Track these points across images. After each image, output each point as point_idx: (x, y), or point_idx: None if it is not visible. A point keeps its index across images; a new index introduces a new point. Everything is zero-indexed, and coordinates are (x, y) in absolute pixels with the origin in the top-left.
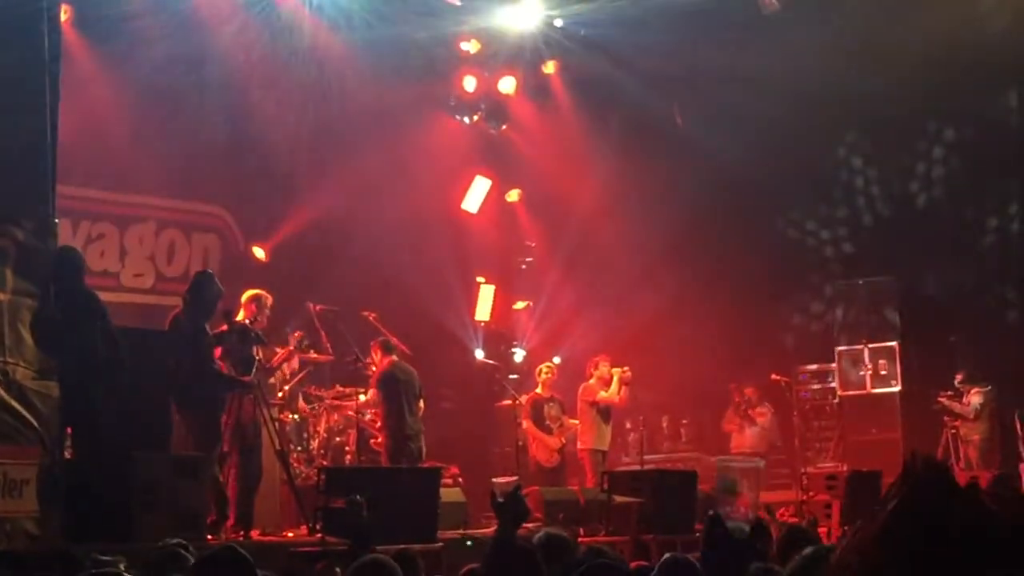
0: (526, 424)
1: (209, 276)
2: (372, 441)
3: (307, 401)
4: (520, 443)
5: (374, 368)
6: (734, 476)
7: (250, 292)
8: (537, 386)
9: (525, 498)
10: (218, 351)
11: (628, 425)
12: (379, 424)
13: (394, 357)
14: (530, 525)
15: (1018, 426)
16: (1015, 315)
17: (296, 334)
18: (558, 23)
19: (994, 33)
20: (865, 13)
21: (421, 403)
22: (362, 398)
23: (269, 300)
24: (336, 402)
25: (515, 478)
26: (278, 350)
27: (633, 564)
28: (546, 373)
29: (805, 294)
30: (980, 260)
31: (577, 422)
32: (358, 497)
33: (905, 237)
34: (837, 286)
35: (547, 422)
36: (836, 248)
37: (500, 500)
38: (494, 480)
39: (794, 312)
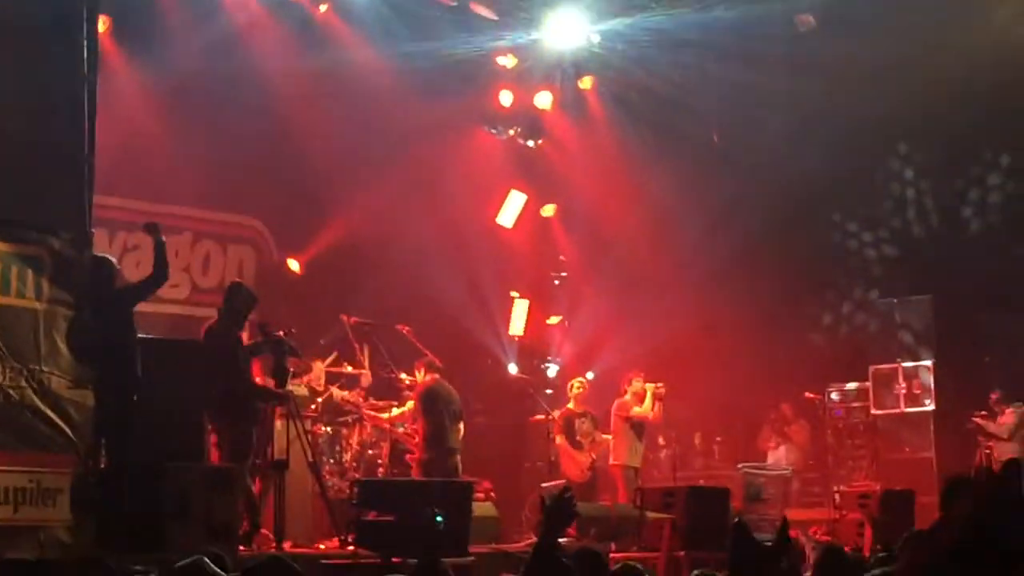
0: (559, 439)
1: (242, 286)
2: (407, 456)
3: (339, 414)
4: (553, 458)
5: (411, 383)
6: (759, 483)
7: None
8: (569, 401)
9: (573, 501)
10: (253, 363)
11: (661, 441)
12: (416, 439)
13: (437, 375)
14: (562, 540)
15: None
16: None
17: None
18: (595, 39)
19: None
20: (902, 35)
21: (461, 425)
22: (395, 411)
23: None
24: (371, 414)
25: (563, 482)
26: (314, 364)
27: None
28: (578, 388)
29: (840, 312)
30: (1018, 285)
31: (609, 437)
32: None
33: (944, 258)
34: (873, 304)
35: (578, 437)
36: (872, 266)
37: (548, 503)
38: (543, 485)
39: (828, 330)
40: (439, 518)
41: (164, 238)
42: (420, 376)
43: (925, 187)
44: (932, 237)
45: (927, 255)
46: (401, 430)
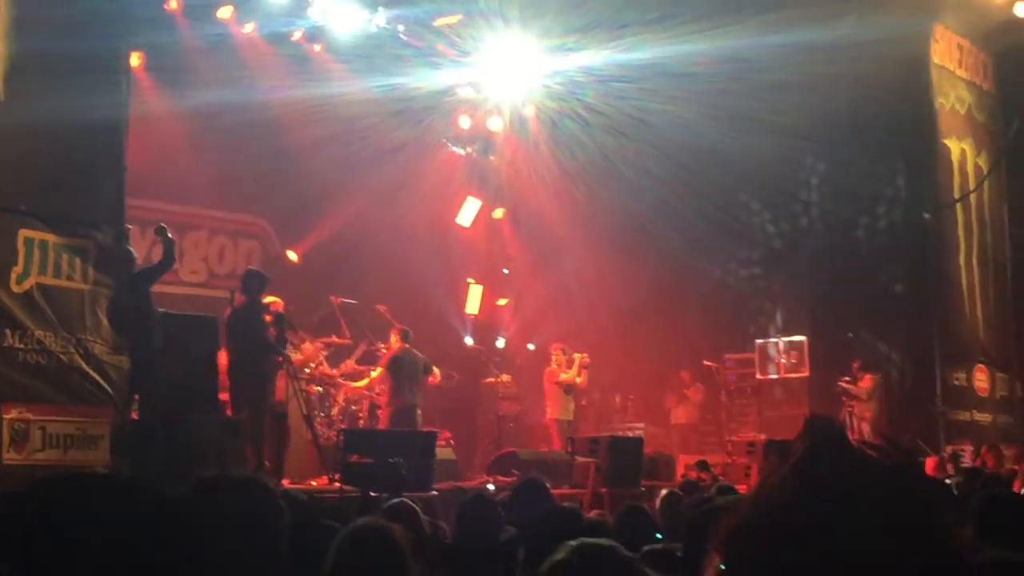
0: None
1: (259, 272)
2: (378, 411)
3: (321, 384)
4: (500, 414)
5: (385, 351)
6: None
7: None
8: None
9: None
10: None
11: (584, 402)
12: (384, 399)
13: (406, 344)
14: (507, 479)
15: None
16: (901, 323)
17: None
18: (537, 75)
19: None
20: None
21: (436, 371)
22: (373, 374)
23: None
24: (346, 380)
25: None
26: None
27: (591, 513)
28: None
29: (733, 297)
30: (872, 280)
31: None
32: (399, 459)
33: (816, 255)
34: (760, 291)
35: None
36: (761, 263)
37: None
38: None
39: (723, 311)
40: (399, 460)
41: (184, 234)
42: (393, 341)
43: (816, 196)
44: (807, 237)
45: (803, 253)
46: (375, 392)
